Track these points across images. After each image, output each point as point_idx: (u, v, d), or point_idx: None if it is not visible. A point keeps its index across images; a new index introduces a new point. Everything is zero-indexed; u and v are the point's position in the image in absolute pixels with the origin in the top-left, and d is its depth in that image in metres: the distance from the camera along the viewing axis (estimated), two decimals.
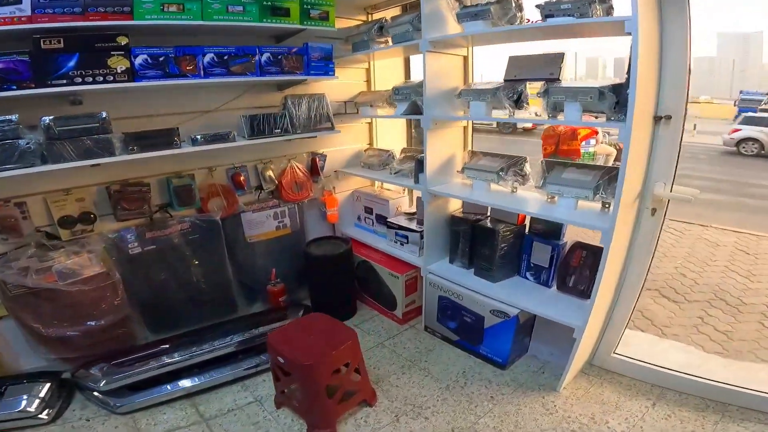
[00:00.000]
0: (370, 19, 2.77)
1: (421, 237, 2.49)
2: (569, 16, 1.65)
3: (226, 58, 2.05)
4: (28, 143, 1.71)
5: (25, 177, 1.73)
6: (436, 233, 2.47)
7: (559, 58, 1.85)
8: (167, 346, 2.15)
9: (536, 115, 1.94)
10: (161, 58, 1.90)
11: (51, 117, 1.76)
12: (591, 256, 2.01)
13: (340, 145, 2.94)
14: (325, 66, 2.35)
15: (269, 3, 2.09)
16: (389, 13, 2.75)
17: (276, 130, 2.31)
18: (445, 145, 2.39)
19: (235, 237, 2.56)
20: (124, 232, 2.20)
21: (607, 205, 1.87)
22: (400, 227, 2.64)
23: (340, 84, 2.70)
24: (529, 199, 2.12)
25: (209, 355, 2.11)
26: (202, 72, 2.00)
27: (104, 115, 1.86)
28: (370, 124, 3.07)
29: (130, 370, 2.00)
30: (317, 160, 2.78)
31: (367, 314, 2.80)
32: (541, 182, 2.05)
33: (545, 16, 1.73)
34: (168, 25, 1.89)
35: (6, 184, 1.85)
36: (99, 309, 2.08)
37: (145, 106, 2.16)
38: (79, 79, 1.76)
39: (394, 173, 2.68)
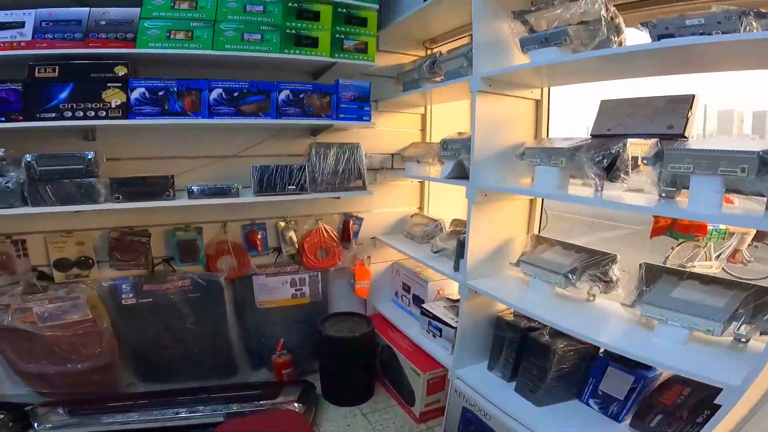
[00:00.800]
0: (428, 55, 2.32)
1: (455, 335, 1.82)
2: (702, 35, 0.98)
3: (236, 95, 1.75)
4: (7, 182, 1.56)
5: (26, 214, 1.59)
6: (475, 333, 1.80)
7: (685, 102, 1.15)
8: (144, 401, 1.94)
9: (641, 192, 1.22)
10: (161, 93, 1.67)
11: (33, 155, 1.59)
12: (695, 397, 1.23)
13: (384, 206, 2.46)
14: (358, 109, 1.94)
15: (293, 31, 1.77)
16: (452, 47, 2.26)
17: (290, 187, 1.91)
18: (499, 225, 1.76)
19: (244, 300, 2.24)
20: (120, 281, 2.00)
21: (742, 342, 1.10)
22: (434, 317, 2.00)
23: (389, 132, 2.28)
24: (610, 317, 1.39)
25: (174, 423, 1.85)
26: (206, 110, 1.72)
27: (90, 156, 1.65)
28: (422, 182, 2.54)
29: (87, 419, 1.81)
30: (351, 223, 2.32)
31: (382, 401, 2.22)
32: (636, 297, 1.31)
33: (658, 37, 1.06)
34: (174, 55, 1.68)
35: (6, 220, 1.74)
36: (78, 353, 1.92)
37: (160, 146, 1.96)
38: (69, 113, 1.60)
39: (435, 252, 2.08)
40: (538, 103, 1.78)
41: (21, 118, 1.56)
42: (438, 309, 2.03)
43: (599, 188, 1.31)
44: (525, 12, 1.47)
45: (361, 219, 2.37)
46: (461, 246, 1.75)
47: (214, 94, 1.72)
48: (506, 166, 1.67)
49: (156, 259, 2.06)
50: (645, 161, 1.18)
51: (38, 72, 1.58)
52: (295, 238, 2.21)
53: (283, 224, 2.21)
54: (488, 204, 1.67)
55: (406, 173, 2.29)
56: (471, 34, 1.87)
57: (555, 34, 1.32)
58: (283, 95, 1.81)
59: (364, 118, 1.95)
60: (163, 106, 1.67)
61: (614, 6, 1.31)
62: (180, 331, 2.10)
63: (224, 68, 1.86)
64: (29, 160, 1.58)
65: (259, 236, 2.16)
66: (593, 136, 1.38)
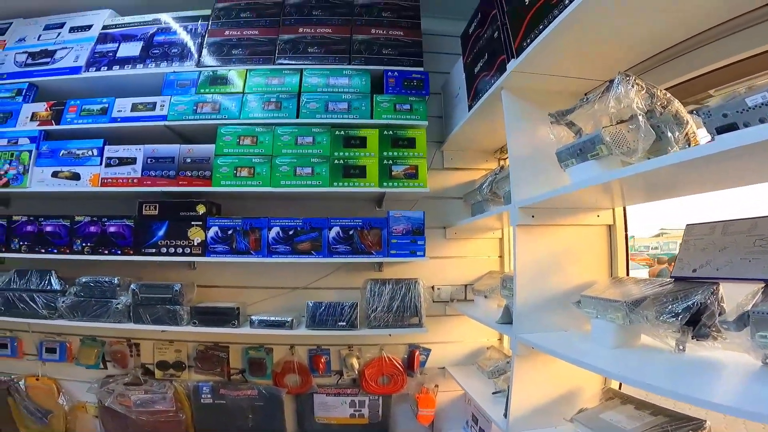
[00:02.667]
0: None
1: None
2: None
3: (291, 233, 1.87)
4: (118, 304, 1.94)
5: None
6: None
7: None
8: None
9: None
10: (230, 231, 1.89)
11: (137, 284, 1.95)
12: None
13: (455, 338, 2.24)
14: (411, 243, 1.85)
15: (341, 161, 1.84)
16: None
17: (340, 323, 1.89)
18: (555, 378, 1.41)
19: (304, 413, 2.28)
20: (202, 384, 2.25)
21: None
22: None
23: (461, 260, 2.11)
24: None
25: None
26: (266, 249, 1.87)
27: (177, 288, 1.94)
28: None
29: None
30: (417, 353, 2.17)
31: None
32: None
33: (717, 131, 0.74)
34: (241, 193, 1.89)
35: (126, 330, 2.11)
36: None
37: (239, 277, 2.19)
38: (164, 250, 1.91)
39: (494, 393, 1.76)
40: (610, 229, 1.43)
41: (131, 252, 1.92)
42: None
43: (681, 348, 0.95)
44: (565, 112, 1.19)
45: (429, 350, 2.18)
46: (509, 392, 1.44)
47: (273, 233, 1.87)
48: (563, 313, 1.35)
49: (233, 369, 2.25)
50: (725, 326, 0.79)
51: (145, 209, 1.94)
52: (356, 365, 2.16)
53: (345, 352, 2.20)
54: (535, 357, 1.36)
55: (468, 310, 2.04)
56: None
57: (588, 142, 1.04)
58: (333, 232, 1.85)
59: (418, 254, 1.84)
60: (231, 245, 1.89)
61: (666, 89, 1.00)
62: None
63: (286, 200, 2.03)
64: (134, 288, 1.95)
65: (323, 360, 2.19)
66: (674, 278, 1.02)
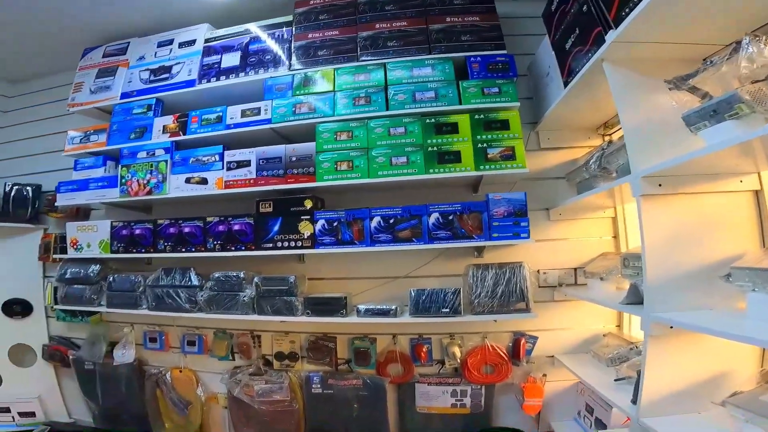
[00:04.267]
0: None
1: None
2: None
3: (392, 221, 1.92)
4: (245, 297, 2.15)
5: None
6: None
7: None
8: None
9: None
10: (335, 223, 1.99)
11: (260, 277, 2.14)
12: None
13: (565, 324, 2.12)
14: (513, 226, 1.79)
15: (435, 148, 1.85)
16: None
17: (443, 310, 1.90)
18: (697, 360, 1.28)
19: (406, 402, 2.31)
20: (313, 374, 2.38)
21: None
22: None
23: (569, 243, 2.02)
24: None
25: None
26: (369, 238, 1.95)
27: (292, 279, 2.09)
28: None
29: None
30: (523, 341, 2.09)
31: None
32: None
33: None
34: (342, 186, 1.99)
35: (250, 321, 2.33)
36: (276, 427, 2.36)
37: (345, 268, 2.31)
38: (280, 244, 2.07)
39: (616, 380, 1.62)
40: (757, 195, 1.26)
41: (253, 247, 2.12)
42: None
43: None
44: (686, 77, 1.13)
45: (536, 338, 2.09)
46: (639, 377, 1.32)
47: (374, 223, 1.94)
48: (708, 289, 1.22)
49: (340, 359, 2.37)
50: None
51: (262, 207, 2.11)
52: (458, 354, 2.14)
53: (447, 341, 2.19)
54: (674, 338, 1.23)
55: (584, 293, 1.91)
56: None
57: (723, 102, 0.94)
58: (432, 218, 1.87)
59: (522, 236, 1.78)
60: (337, 236, 1.99)
61: None
62: (348, 421, 2.33)
63: (383, 191, 2.09)
64: (257, 281, 2.14)
65: (424, 349, 2.22)
66: None
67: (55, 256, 2.62)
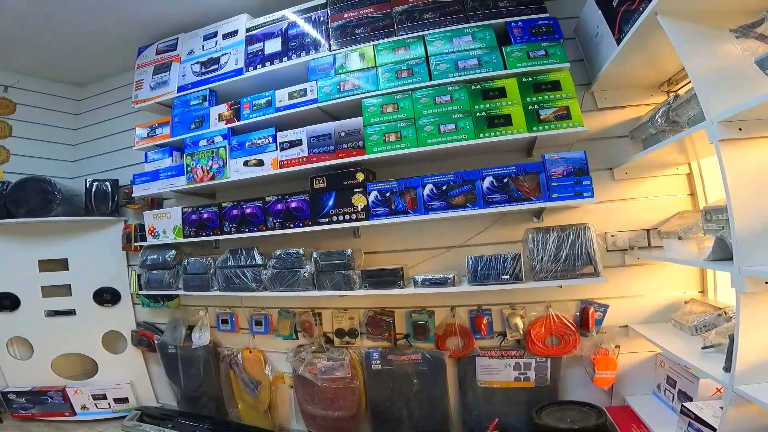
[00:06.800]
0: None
1: None
2: None
3: (444, 188, 1.89)
4: (305, 272, 2.22)
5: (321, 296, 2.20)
6: None
7: None
8: None
9: None
10: (388, 194, 2.01)
11: (318, 252, 2.21)
12: None
13: (640, 291, 1.98)
14: (575, 185, 1.70)
15: (483, 113, 1.80)
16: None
17: (504, 277, 1.84)
18: None
19: (466, 377, 2.28)
20: (372, 350, 2.42)
21: None
22: (697, 418, 1.42)
23: (639, 202, 1.89)
24: None
25: None
26: (422, 207, 1.93)
27: (349, 253, 2.13)
28: None
29: None
30: (592, 310, 1.97)
31: None
32: None
33: None
34: (391, 157, 1.99)
35: (311, 299, 2.45)
36: (338, 403, 2.40)
37: (402, 240, 2.32)
38: (335, 218, 2.12)
39: (705, 347, 1.47)
40: None
41: (309, 223, 2.17)
42: (707, 410, 1.43)
43: None
44: (753, 25, 1.08)
45: (606, 306, 1.96)
46: (732, 342, 1.20)
47: (427, 190, 1.92)
48: None
49: (398, 335, 2.37)
50: None
51: (316, 183, 2.16)
52: (521, 325, 2.06)
53: (508, 311, 2.12)
54: None
55: (662, 254, 1.76)
56: None
57: None
58: (486, 182, 1.82)
59: (585, 195, 1.68)
60: (390, 206, 2.00)
61: None
62: (408, 397, 2.34)
63: (432, 161, 2.06)
64: (315, 256, 2.21)
65: (484, 321, 2.16)
66: None
67: (136, 244, 2.85)
